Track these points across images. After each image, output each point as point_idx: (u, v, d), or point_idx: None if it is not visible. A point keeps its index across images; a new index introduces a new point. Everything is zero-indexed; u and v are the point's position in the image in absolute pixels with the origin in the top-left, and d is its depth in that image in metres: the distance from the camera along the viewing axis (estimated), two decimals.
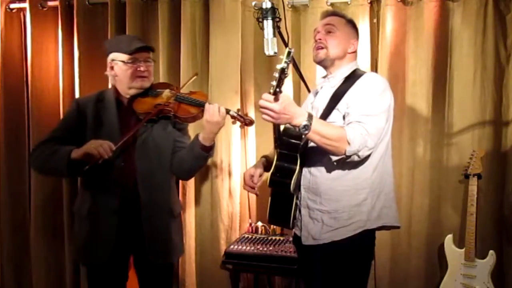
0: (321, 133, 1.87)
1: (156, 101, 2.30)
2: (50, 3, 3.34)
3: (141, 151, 2.28)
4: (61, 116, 3.31)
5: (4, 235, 3.49)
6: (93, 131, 2.27)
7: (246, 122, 2.26)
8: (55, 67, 3.37)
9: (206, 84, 3.03)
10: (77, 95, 3.26)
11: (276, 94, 1.77)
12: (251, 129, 3.06)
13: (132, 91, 2.33)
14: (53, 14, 3.34)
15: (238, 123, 2.27)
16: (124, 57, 2.29)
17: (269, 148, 2.98)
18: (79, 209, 2.36)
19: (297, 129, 1.87)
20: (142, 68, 2.29)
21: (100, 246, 2.27)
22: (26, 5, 3.32)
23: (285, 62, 1.69)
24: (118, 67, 2.31)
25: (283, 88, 1.80)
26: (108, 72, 2.36)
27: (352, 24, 2.20)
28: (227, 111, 2.22)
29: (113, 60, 2.32)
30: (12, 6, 3.41)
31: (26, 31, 3.39)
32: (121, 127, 2.28)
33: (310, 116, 1.85)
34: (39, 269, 3.44)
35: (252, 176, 2.23)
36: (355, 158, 1.92)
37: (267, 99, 1.79)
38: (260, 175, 2.27)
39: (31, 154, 2.34)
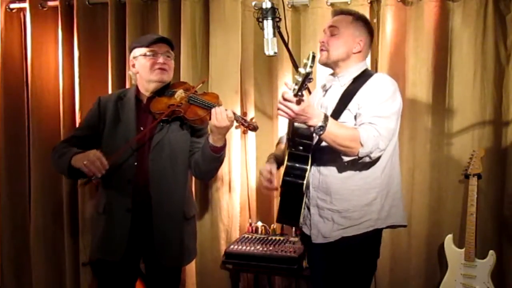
0: (335, 134, 1.88)
1: (170, 101, 2.28)
2: (50, 3, 3.34)
3: (155, 152, 2.27)
4: (61, 116, 3.32)
5: (4, 235, 3.49)
6: (111, 128, 2.28)
7: (250, 127, 2.20)
8: (55, 67, 3.37)
9: (206, 84, 3.03)
10: (77, 95, 3.26)
11: (297, 97, 1.75)
12: None
13: (152, 86, 2.31)
14: (53, 14, 3.34)
15: (242, 128, 2.22)
16: (144, 50, 2.30)
17: (269, 148, 2.98)
18: (97, 207, 2.39)
19: (312, 129, 1.87)
20: (161, 60, 2.28)
21: (114, 244, 2.28)
22: (26, 5, 3.32)
23: (310, 66, 1.64)
24: (138, 62, 2.32)
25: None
26: (130, 70, 2.38)
27: (361, 22, 2.15)
28: (234, 115, 2.16)
29: (134, 57, 2.34)
30: (12, 6, 3.41)
31: (26, 31, 3.39)
32: (138, 126, 2.28)
33: (326, 117, 1.86)
34: (39, 269, 3.44)
35: (270, 172, 2.19)
36: (367, 159, 1.94)
37: (289, 99, 1.77)
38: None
39: (51, 153, 2.35)
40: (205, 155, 2.24)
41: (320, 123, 1.84)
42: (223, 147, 2.22)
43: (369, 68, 2.83)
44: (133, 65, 2.35)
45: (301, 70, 1.66)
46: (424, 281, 2.95)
